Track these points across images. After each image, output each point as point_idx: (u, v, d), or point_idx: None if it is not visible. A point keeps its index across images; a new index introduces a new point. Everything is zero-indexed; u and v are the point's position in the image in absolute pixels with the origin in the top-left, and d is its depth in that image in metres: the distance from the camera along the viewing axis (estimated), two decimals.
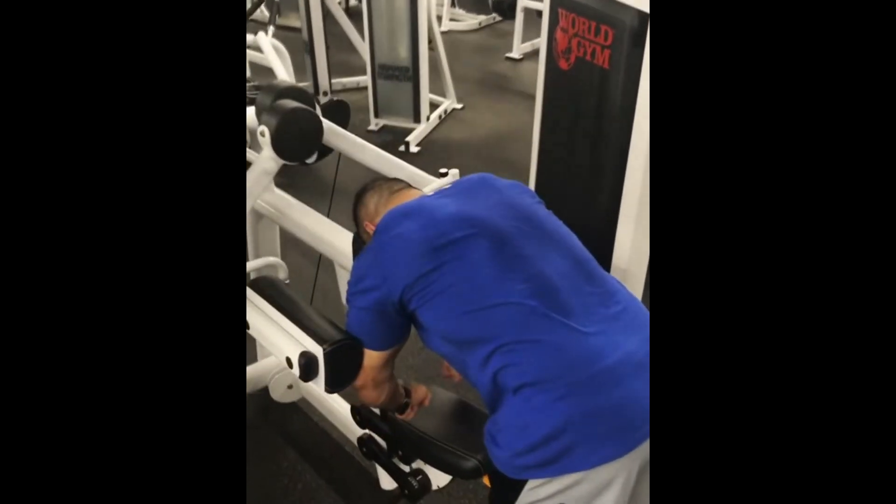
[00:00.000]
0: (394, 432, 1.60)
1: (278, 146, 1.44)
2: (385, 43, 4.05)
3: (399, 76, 4.08)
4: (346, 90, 5.12)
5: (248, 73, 4.18)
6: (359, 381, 1.21)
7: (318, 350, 1.15)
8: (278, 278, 1.39)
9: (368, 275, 1.12)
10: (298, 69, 4.95)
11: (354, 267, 1.17)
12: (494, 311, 1.04)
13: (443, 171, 1.62)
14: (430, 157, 4.02)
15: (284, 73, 3.48)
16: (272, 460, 1.96)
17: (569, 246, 1.15)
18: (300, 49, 4.80)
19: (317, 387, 1.19)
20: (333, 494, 1.86)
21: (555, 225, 1.18)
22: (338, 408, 1.92)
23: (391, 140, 4.21)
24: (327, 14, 4.65)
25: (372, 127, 4.38)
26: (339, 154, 1.79)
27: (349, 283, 1.17)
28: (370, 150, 1.70)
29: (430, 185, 1.64)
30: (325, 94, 4.80)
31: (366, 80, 4.28)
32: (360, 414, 1.75)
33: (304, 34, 4.66)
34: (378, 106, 4.28)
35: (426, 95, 4.16)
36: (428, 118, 4.25)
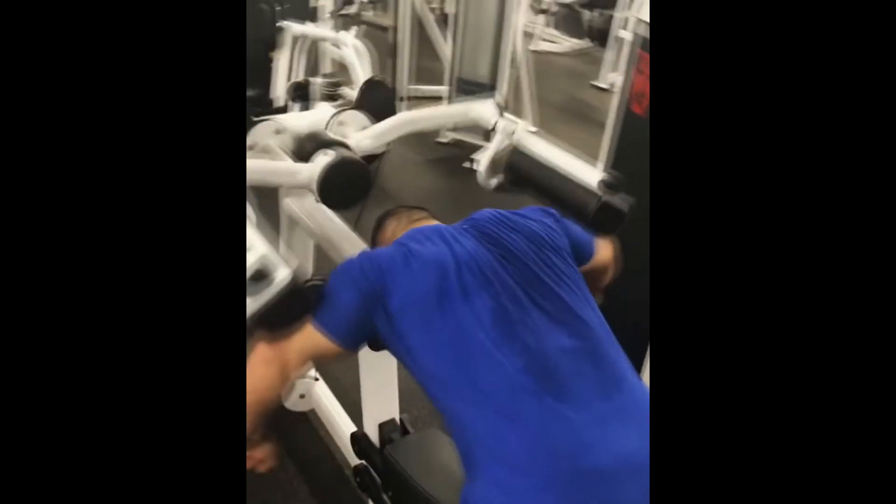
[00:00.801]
0: (385, 470, 1.51)
1: (324, 193, 1.34)
2: (468, 57, 3.98)
3: (476, 92, 4.00)
4: (425, 98, 5.09)
5: (330, 69, 4.20)
6: (270, 346, 0.99)
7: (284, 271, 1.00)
8: None
9: (382, 261, 1.03)
10: (381, 70, 4.96)
11: (373, 251, 1.08)
12: (483, 376, 0.95)
13: (491, 124, 1.42)
14: None
15: (360, 72, 3.45)
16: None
17: (582, 318, 1.03)
18: (388, 49, 4.80)
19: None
20: None
21: (571, 290, 1.06)
22: (344, 427, 1.85)
23: (458, 154, 4.14)
24: (419, 21, 4.63)
25: (442, 139, 4.32)
26: (379, 163, 1.70)
27: (358, 254, 1.07)
28: (405, 119, 1.54)
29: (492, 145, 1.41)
30: (401, 99, 4.77)
31: (445, 90, 4.22)
32: (360, 444, 1.67)
33: (391, 36, 4.65)
34: None
35: None
36: None
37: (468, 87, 4.05)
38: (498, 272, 1.02)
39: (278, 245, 1.90)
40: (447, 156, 4.17)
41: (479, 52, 3.93)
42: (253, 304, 0.95)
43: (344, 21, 4.08)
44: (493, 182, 1.44)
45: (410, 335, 1.00)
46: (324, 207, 1.68)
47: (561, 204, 1.26)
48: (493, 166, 1.42)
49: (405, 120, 1.60)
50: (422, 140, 4.35)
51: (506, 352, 0.96)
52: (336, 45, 3.69)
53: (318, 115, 1.72)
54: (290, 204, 1.74)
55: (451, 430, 1.01)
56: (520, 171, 1.36)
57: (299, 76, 3.86)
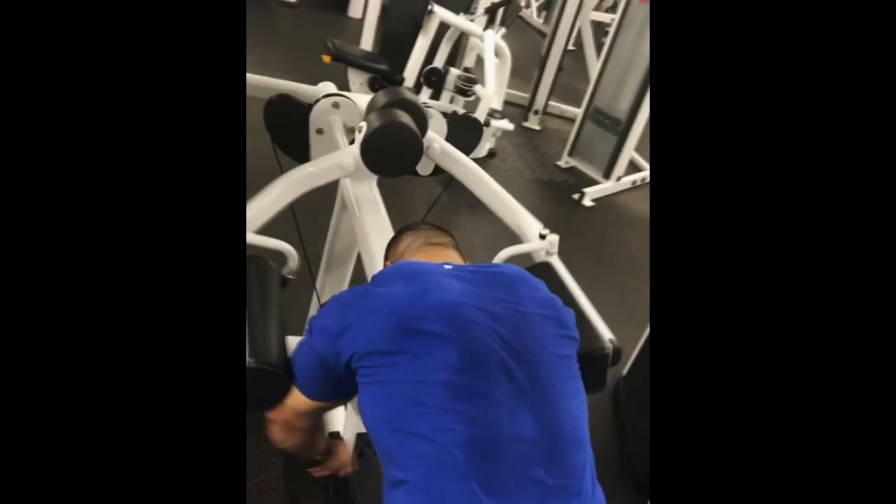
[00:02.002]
0: (337, 483, 1.44)
1: (367, 152, 1.30)
2: (610, 88, 3.79)
3: (608, 126, 3.80)
4: (558, 116, 4.94)
5: (474, 64, 4.14)
6: (272, 415, 1.05)
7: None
8: (271, 264, 1.23)
9: (336, 316, 0.96)
10: (525, 77, 4.85)
11: (333, 297, 1.01)
12: (416, 440, 0.84)
13: (543, 232, 1.39)
14: (597, 218, 3.72)
15: (493, 73, 3.36)
16: (254, 437, 1.86)
17: (556, 409, 0.89)
18: (539, 58, 4.69)
19: None
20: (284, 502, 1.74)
21: (554, 377, 0.92)
22: (335, 424, 1.79)
23: (573, 184, 3.96)
24: (579, 43, 4.48)
25: (561, 163, 4.16)
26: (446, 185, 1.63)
27: (320, 307, 1.02)
28: (481, 183, 1.50)
29: (528, 244, 1.41)
30: (535, 112, 4.65)
31: (579, 113, 4.06)
32: None
33: (544, 48, 4.53)
34: (576, 146, 4.04)
35: (627, 156, 3.85)
36: (619, 179, 3.93)
37: (601, 118, 3.85)
38: (474, 328, 0.90)
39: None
40: (558, 181, 4.01)
41: (623, 87, 3.72)
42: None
43: (504, 18, 3.98)
44: None
45: (361, 389, 0.92)
46: (376, 198, 1.62)
47: None
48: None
49: (470, 169, 1.53)
50: (540, 159, 4.21)
51: (451, 418, 0.84)
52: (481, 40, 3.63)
53: None
54: (346, 186, 1.69)
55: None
56: None
57: (440, 63, 3.84)
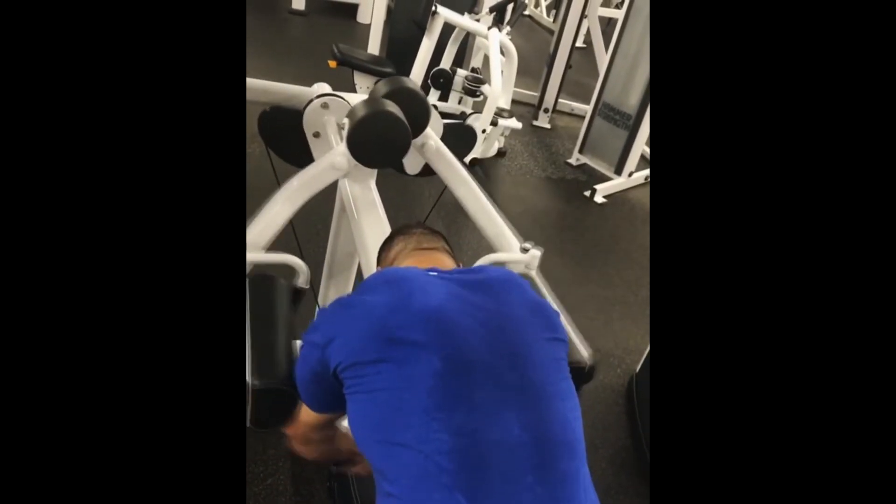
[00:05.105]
0: (341, 485, 1.43)
1: (353, 143, 1.29)
2: (619, 83, 3.74)
3: (618, 121, 3.76)
4: (568, 114, 4.90)
5: (479, 64, 4.12)
6: (288, 430, 1.07)
7: (249, 381, 1.02)
8: (278, 279, 1.24)
9: (322, 328, 0.95)
10: (535, 76, 4.83)
11: (320, 311, 1.01)
12: (400, 451, 0.82)
13: (525, 245, 1.38)
14: (610, 214, 3.67)
15: (498, 72, 3.35)
16: (262, 442, 1.87)
17: (544, 413, 0.86)
18: (547, 57, 4.66)
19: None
20: None
21: (543, 380, 0.89)
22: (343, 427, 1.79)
23: (584, 181, 3.92)
24: (589, 41, 4.43)
25: (572, 160, 4.12)
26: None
27: (311, 322, 1.01)
28: (467, 190, 1.49)
29: (509, 254, 1.40)
30: (545, 110, 4.62)
31: (588, 110, 4.02)
32: None
33: (552, 45, 4.50)
34: (586, 142, 4.00)
35: (639, 151, 3.80)
36: (630, 174, 3.88)
37: (610, 114, 3.81)
38: (458, 333, 0.88)
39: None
40: (570, 178, 3.97)
41: (632, 81, 3.68)
42: (248, 416, 1.06)
43: (513, 17, 3.96)
44: None
45: (348, 397, 0.90)
46: (375, 199, 1.61)
47: None
48: None
49: (459, 173, 1.52)
50: (550, 157, 4.18)
51: (436, 427, 0.82)
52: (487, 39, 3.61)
53: None
54: (344, 187, 1.69)
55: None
56: None
57: (447, 64, 3.83)
